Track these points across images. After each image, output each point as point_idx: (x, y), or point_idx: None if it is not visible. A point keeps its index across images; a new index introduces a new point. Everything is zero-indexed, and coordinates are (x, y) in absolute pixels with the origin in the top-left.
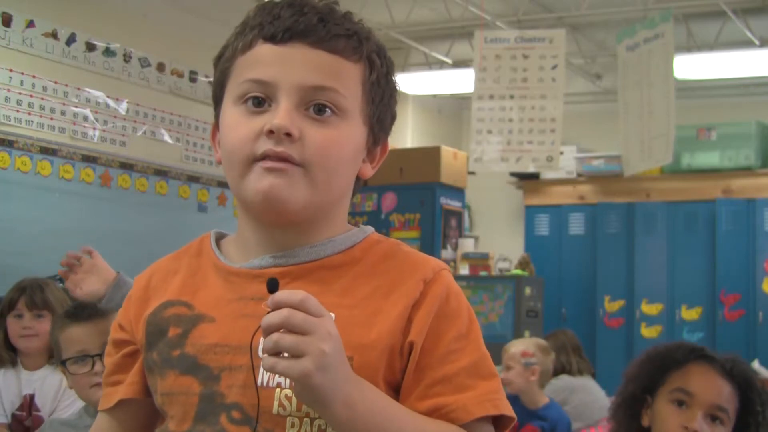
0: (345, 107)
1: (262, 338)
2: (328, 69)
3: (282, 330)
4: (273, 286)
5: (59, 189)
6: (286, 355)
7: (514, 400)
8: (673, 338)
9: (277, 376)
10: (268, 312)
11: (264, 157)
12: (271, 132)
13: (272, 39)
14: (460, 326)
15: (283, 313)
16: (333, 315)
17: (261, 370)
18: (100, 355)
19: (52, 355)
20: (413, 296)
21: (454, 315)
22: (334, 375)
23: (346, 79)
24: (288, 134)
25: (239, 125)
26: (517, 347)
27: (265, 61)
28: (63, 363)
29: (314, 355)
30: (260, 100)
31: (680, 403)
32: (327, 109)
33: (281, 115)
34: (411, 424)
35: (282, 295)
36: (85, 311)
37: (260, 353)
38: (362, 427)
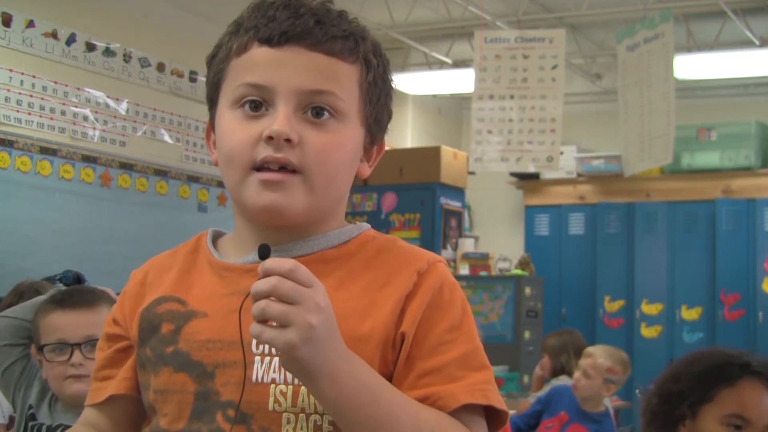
0: (343, 110)
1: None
2: (326, 72)
3: (270, 298)
4: (264, 253)
5: (59, 189)
6: (274, 324)
7: (570, 397)
8: (672, 338)
9: (271, 371)
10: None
11: (263, 163)
12: (270, 138)
13: (268, 42)
14: (453, 317)
15: (272, 281)
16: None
17: (255, 366)
18: (80, 346)
19: None
20: (407, 287)
21: (447, 306)
22: (321, 348)
23: (344, 82)
24: (287, 140)
25: (237, 130)
26: (604, 359)
27: (262, 64)
28: (40, 349)
29: (300, 327)
30: (258, 104)
31: (736, 427)
32: (325, 113)
33: (280, 120)
34: (400, 406)
35: (272, 262)
36: (71, 299)
37: (253, 348)
38: (349, 403)
